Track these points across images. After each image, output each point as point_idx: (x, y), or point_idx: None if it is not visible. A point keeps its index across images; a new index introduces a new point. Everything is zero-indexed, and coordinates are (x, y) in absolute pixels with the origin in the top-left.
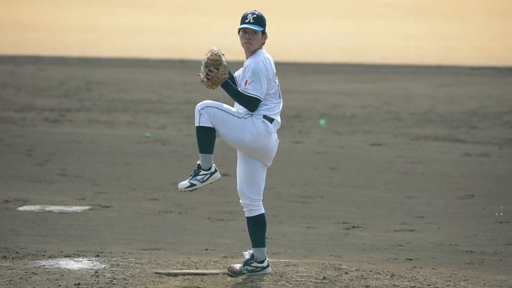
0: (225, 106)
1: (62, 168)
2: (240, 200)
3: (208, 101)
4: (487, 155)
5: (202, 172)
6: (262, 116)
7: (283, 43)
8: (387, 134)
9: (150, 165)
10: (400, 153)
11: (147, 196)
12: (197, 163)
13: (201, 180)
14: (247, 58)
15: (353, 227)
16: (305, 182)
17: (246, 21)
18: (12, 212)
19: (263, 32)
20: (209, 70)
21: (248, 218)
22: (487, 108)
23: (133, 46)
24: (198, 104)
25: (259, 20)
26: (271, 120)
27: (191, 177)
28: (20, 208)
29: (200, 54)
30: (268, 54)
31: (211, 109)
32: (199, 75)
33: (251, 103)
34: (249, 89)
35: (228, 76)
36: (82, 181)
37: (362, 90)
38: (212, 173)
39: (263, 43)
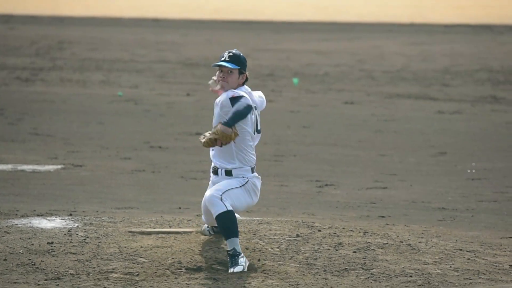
0: (228, 183)
1: (35, 127)
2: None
3: (221, 186)
4: (459, 113)
5: (241, 256)
6: (253, 172)
7: (256, 1)
8: (360, 93)
9: (123, 124)
10: (373, 111)
11: (120, 155)
12: (229, 251)
13: (244, 262)
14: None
15: (326, 185)
16: (278, 141)
17: (222, 59)
18: None
19: (241, 72)
20: (215, 140)
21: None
22: (460, 66)
23: (106, 4)
24: (211, 193)
25: (235, 59)
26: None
27: (232, 267)
28: None
29: (174, 13)
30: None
31: (229, 192)
32: (204, 136)
33: (244, 111)
34: (235, 92)
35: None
36: (54, 140)
37: (335, 49)
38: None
39: (241, 84)
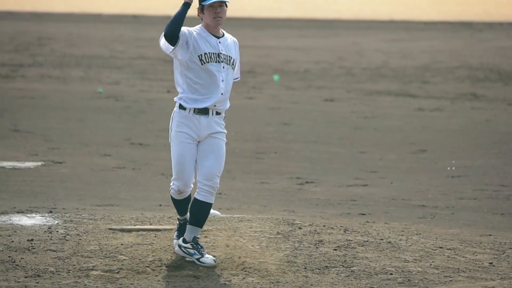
0: (222, 153)
1: (14, 123)
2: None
3: (221, 170)
4: (439, 110)
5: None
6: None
7: None
8: (340, 90)
9: (103, 121)
10: (353, 108)
11: (100, 152)
12: (191, 239)
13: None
14: (215, 34)
15: (307, 182)
16: (259, 138)
17: None
18: None
19: (226, 5)
20: None
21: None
22: (440, 63)
23: (85, 1)
24: (215, 179)
25: None
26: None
27: (197, 255)
28: None
29: (153, 9)
30: None
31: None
32: None
33: None
34: (238, 74)
35: None
36: (34, 136)
37: (315, 46)
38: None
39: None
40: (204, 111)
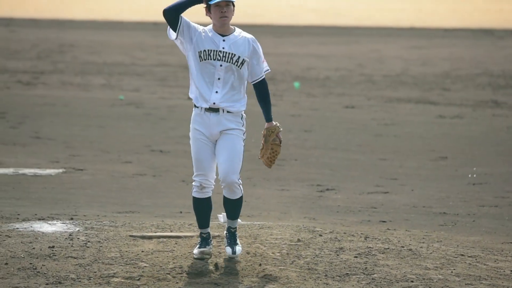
0: (238, 151)
1: (36, 130)
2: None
3: (236, 166)
4: (460, 117)
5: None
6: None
7: (256, 5)
8: (360, 97)
9: (124, 128)
10: (373, 115)
11: (121, 159)
12: (233, 227)
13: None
14: (222, 33)
15: (327, 189)
16: None
17: None
18: None
19: (233, 4)
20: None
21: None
22: (460, 70)
23: (106, 8)
24: (234, 180)
25: None
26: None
27: (230, 243)
28: None
29: None
30: None
31: (241, 165)
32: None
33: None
34: (267, 66)
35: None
36: (56, 143)
37: (335, 53)
38: None
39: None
40: (214, 110)
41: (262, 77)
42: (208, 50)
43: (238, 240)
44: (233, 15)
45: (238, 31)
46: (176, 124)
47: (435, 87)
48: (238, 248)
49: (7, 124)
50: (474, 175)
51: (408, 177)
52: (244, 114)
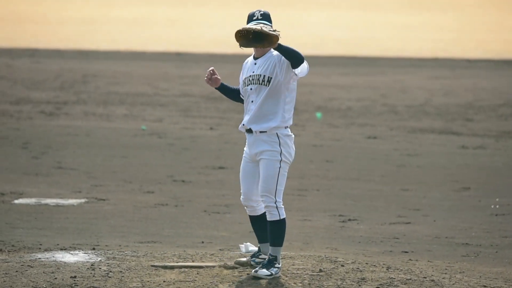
0: (271, 174)
1: (58, 161)
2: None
3: (269, 188)
4: (483, 148)
5: (277, 265)
6: (289, 133)
7: (280, 35)
8: (383, 127)
9: (146, 158)
10: (396, 145)
11: (143, 189)
12: (271, 254)
13: (276, 272)
14: (258, 57)
15: (349, 219)
16: (301, 175)
17: (254, 18)
18: (8, 205)
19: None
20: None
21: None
22: (483, 101)
23: (129, 38)
24: (263, 197)
25: (267, 17)
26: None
27: (262, 266)
28: (16, 201)
29: (196, 46)
30: None
31: (278, 188)
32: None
33: (300, 56)
34: (297, 71)
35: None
36: (78, 174)
37: (358, 83)
38: (280, 268)
39: None
40: (248, 131)
41: (299, 74)
42: (246, 78)
43: (272, 269)
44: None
45: (271, 50)
46: (198, 154)
47: (458, 118)
48: (262, 271)
49: (30, 155)
50: (497, 206)
51: (430, 207)
52: (284, 133)
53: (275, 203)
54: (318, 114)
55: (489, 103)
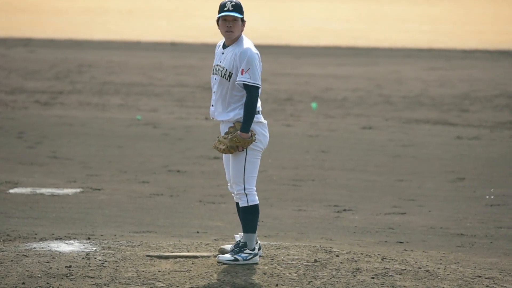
0: (239, 160)
1: (53, 150)
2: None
3: (237, 175)
4: (478, 138)
5: (247, 251)
6: (260, 120)
7: (275, 26)
8: (378, 118)
9: (141, 148)
10: (391, 136)
11: (138, 179)
12: (242, 241)
13: (245, 258)
14: (227, 45)
15: (344, 210)
16: (297, 165)
17: (225, 9)
18: (3, 195)
19: (242, 20)
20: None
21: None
22: (478, 92)
23: (124, 28)
24: (232, 185)
25: (238, 7)
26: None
27: (233, 252)
28: (11, 191)
29: (191, 37)
30: (249, 39)
31: (247, 175)
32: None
33: (254, 95)
34: (247, 78)
35: (254, 138)
36: (73, 163)
37: (353, 74)
38: (255, 254)
39: (242, 30)
40: (219, 121)
41: (242, 81)
42: (214, 66)
43: (240, 255)
44: (241, 30)
45: (240, 43)
46: (193, 144)
47: (454, 108)
48: (224, 257)
49: (25, 144)
50: (492, 197)
51: (425, 198)
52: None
53: (243, 190)
54: (314, 105)
55: (484, 94)
